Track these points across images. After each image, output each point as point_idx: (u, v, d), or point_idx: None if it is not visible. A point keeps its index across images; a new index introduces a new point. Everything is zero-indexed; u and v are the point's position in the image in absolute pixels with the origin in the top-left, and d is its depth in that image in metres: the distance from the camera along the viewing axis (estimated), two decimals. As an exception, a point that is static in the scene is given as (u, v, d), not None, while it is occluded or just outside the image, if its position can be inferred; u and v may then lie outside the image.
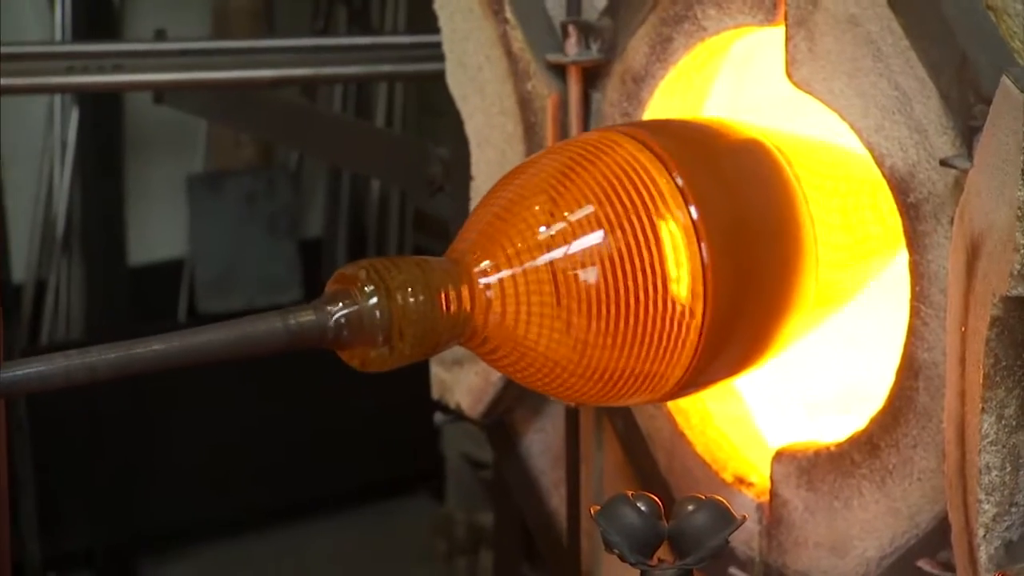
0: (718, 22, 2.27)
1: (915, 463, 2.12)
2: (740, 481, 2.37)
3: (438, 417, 2.75)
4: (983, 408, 1.83)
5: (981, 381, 1.83)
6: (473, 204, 2.62)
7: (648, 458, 2.48)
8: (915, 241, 2.06)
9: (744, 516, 1.71)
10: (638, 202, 1.99)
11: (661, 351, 2.02)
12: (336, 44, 3.43)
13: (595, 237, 1.97)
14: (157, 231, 5.46)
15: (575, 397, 2.09)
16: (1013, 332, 1.81)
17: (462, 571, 5.02)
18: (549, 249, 1.96)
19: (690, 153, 2.09)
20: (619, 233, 1.97)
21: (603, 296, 1.97)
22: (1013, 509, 1.86)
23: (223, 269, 5.36)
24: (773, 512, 2.30)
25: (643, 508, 1.69)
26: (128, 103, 5.14)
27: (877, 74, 2.06)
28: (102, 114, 5.07)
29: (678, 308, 2.00)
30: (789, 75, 2.18)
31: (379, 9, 5.45)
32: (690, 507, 1.70)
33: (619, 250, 1.97)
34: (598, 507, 1.70)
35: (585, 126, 2.45)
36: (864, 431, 2.19)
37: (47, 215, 5.15)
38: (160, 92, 3.42)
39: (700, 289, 2.01)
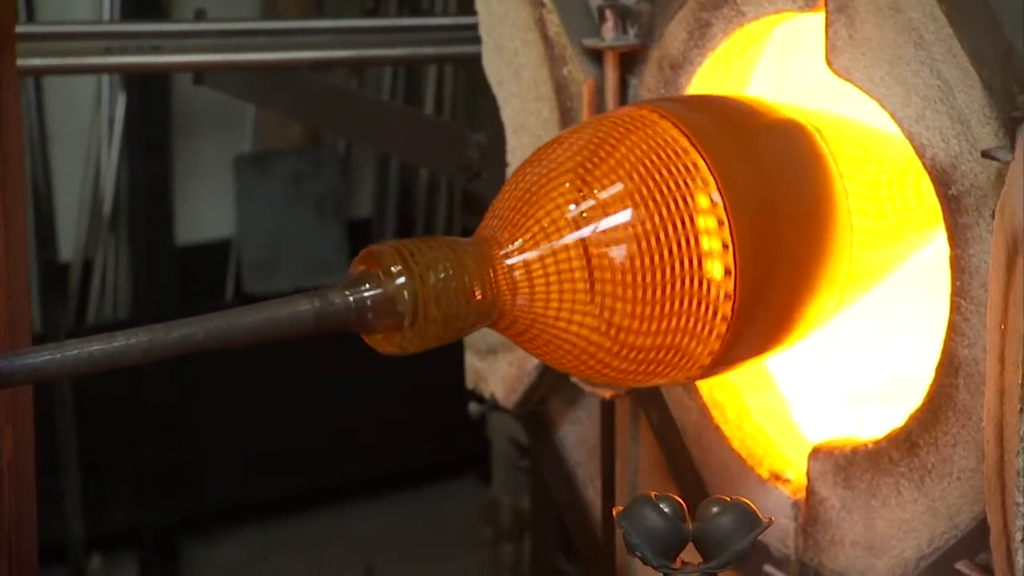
0: (757, 7, 2.22)
1: (954, 462, 2.07)
2: (776, 477, 2.33)
3: (473, 407, 2.72)
4: (1021, 408, 1.78)
5: (1020, 381, 1.78)
6: (508, 191, 2.58)
7: (683, 452, 2.44)
8: (956, 234, 2.01)
9: (770, 519, 1.67)
10: (669, 179, 1.96)
11: (693, 329, 1.98)
12: (380, 25, 3.41)
13: (625, 215, 1.94)
14: (205, 211, 5.45)
15: (605, 377, 2.05)
16: (1054, 331, 1.76)
17: (507, 557, 4.99)
18: (579, 227, 1.93)
19: (721, 130, 2.06)
20: (650, 210, 1.94)
21: (634, 274, 1.94)
22: (1052, 513, 1.81)
23: (270, 250, 5.35)
24: (809, 510, 2.26)
25: (666, 510, 1.65)
26: (176, 83, 5.14)
27: (919, 62, 2.00)
28: (149, 94, 5.07)
29: (709, 285, 1.97)
30: (829, 62, 2.13)
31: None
32: (715, 509, 1.66)
33: (650, 228, 1.94)
34: (620, 508, 1.66)
35: (622, 113, 2.41)
36: (903, 428, 2.14)
37: (95, 194, 5.16)
38: (200, 73, 3.40)
39: (731, 266, 1.98)
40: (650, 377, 2.03)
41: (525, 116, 2.52)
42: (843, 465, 2.21)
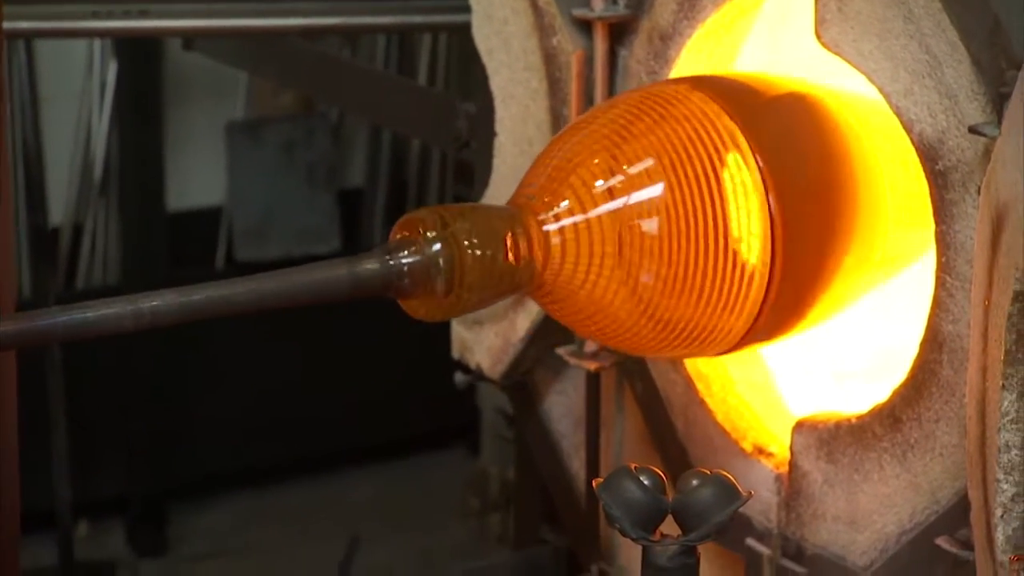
0: (747, -21, 2.22)
1: (937, 438, 2.08)
2: (760, 451, 2.33)
3: (459, 377, 2.72)
4: (1004, 385, 1.78)
5: (1002, 357, 1.78)
6: (496, 161, 2.58)
7: (668, 425, 2.44)
8: (942, 210, 2.01)
9: (749, 492, 1.67)
10: (704, 155, 2.00)
11: (724, 303, 2.02)
12: (369, -7, 3.38)
13: (657, 188, 1.98)
14: (196, 177, 5.44)
15: (634, 348, 2.10)
16: (1037, 308, 1.75)
17: (495, 527, 5.00)
18: (611, 199, 1.98)
19: (758, 108, 2.10)
20: (682, 185, 1.98)
21: (665, 247, 1.98)
22: (1033, 490, 1.82)
23: (261, 217, 5.34)
24: (792, 484, 2.26)
25: (646, 482, 1.65)
26: (168, 48, 5.12)
27: (908, 36, 2.00)
28: (141, 59, 5.05)
29: (743, 261, 2.01)
30: (818, 35, 2.13)
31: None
32: (695, 482, 1.66)
33: (681, 202, 1.98)
34: (600, 480, 1.66)
35: (611, 83, 2.41)
36: (886, 403, 2.15)
37: (85, 159, 5.14)
38: (189, 39, 3.39)
39: (767, 242, 2.01)
40: (679, 349, 2.09)
41: (514, 86, 2.52)
42: (826, 439, 2.22)
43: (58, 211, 5.18)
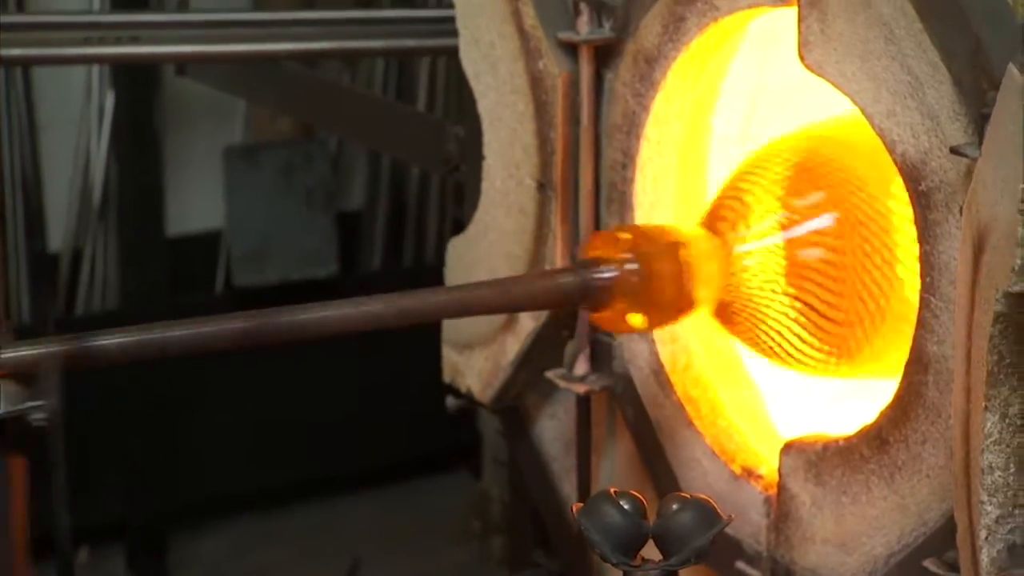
0: (731, 2, 2.23)
1: (924, 459, 2.07)
2: (749, 473, 2.33)
3: (450, 401, 2.72)
4: (986, 406, 1.78)
5: (985, 379, 1.77)
6: (485, 184, 2.59)
7: (657, 448, 2.44)
8: (926, 231, 2.01)
9: (730, 516, 1.67)
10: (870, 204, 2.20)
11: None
12: (363, 17, 3.40)
13: (826, 220, 2.18)
14: (195, 202, 5.44)
15: (801, 367, 2.27)
16: (1018, 329, 1.75)
17: (497, 550, 4.99)
18: (786, 228, 2.18)
19: None
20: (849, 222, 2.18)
21: (829, 275, 2.17)
22: (1017, 511, 1.81)
23: (260, 242, 5.34)
24: (781, 506, 2.26)
25: (626, 507, 1.65)
26: (166, 73, 5.13)
27: (889, 57, 2.01)
28: (139, 85, 5.05)
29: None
30: (802, 57, 2.13)
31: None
32: (675, 506, 1.66)
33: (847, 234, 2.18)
34: (580, 505, 1.66)
35: (597, 106, 2.41)
36: (873, 425, 2.14)
37: (84, 185, 5.15)
38: (181, 65, 3.40)
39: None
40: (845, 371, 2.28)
41: (501, 109, 2.52)
42: (814, 461, 2.21)
43: (57, 237, 5.19)
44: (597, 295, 2.13)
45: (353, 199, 5.66)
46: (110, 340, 1.89)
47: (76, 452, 4.94)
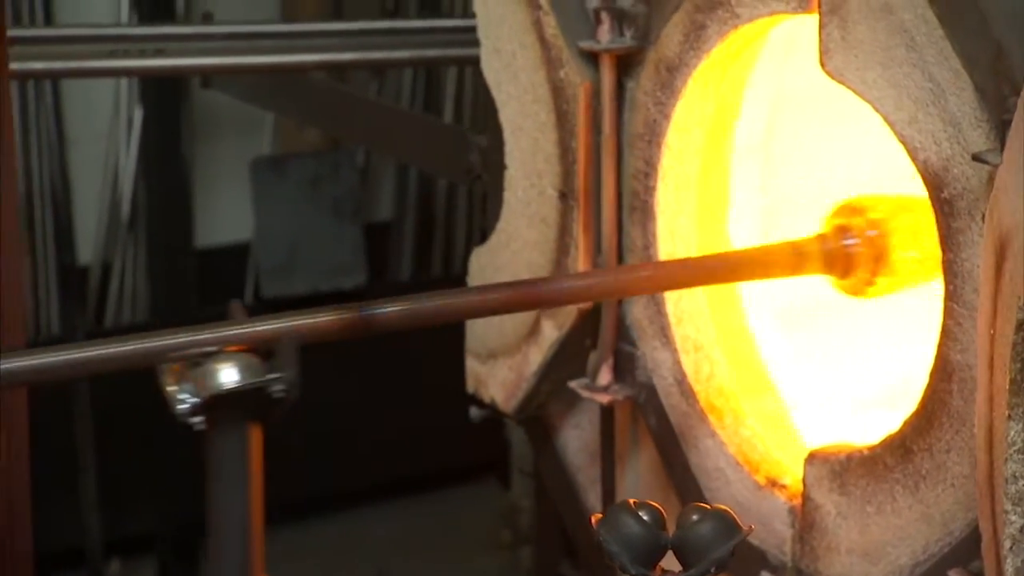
0: (751, 9, 2.21)
1: (948, 468, 2.06)
2: (773, 483, 2.31)
3: (473, 411, 2.72)
4: (1010, 415, 1.77)
5: (1008, 386, 1.76)
6: (507, 194, 2.58)
7: (681, 458, 2.43)
8: (949, 238, 2.00)
9: (750, 527, 1.66)
10: None
11: None
12: (385, 27, 3.40)
13: None
14: (224, 214, 5.45)
15: None
16: (1041, 336, 1.74)
17: (525, 560, 4.98)
18: None
19: None
20: None
21: None
22: (1041, 521, 1.79)
23: (287, 253, 5.35)
24: (805, 516, 2.24)
25: (645, 517, 1.64)
26: (194, 86, 5.14)
27: (911, 64, 1.99)
28: (167, 97, 5.07)
29: None
30: (822, 64, 2.12)
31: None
32: (694, 516, 1.65)
33: None
34: (599, 516, 1.65)
35: (619, 115, 2.41)
36: (897, 434, 2.13)
37: (113, 197, 5.17)
38: (207, 77, 3.40)
39: None
40: None
41: (523, 118, 2.52)
42: (838, 471, 2.20)
43: (87, 250, 5.20)
44: (843, 262, 2.26)
45: (381, 210, 5.66)
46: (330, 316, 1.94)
47: (107, 464, 4.95)
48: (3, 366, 1.73)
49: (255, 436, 1.75)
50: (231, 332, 1.80)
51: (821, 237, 2.28)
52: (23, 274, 2.26)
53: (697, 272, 2.25)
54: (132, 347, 1.79)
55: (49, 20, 4.88)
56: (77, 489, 4.86)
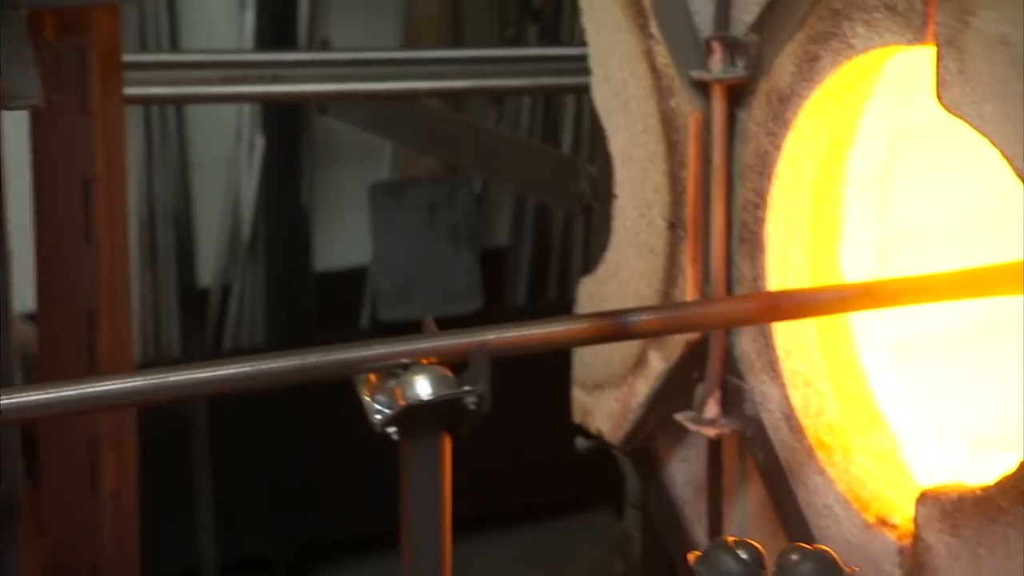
0: (867, 40, 2.17)
1: (1064, 512, 2.00)
2: (883, 522, 2.26)
3: (579, 442, 2.70)
4: None
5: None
6: (616, 223, 2.56)
7: (789, 494, 2.38)
8: (1066, 275, 1.94)
9: (853, 569, 1.62)
10: None
11: None
12: (500, 55, 3.40)
13: None
14: (342, 238, 5.49)
15: None
16: None
17: (638, 591, 4.94)
18: None
19: None
20: None
21: None
22: None
23: (404, 277, 5.36)
24: (916, 557, 2.19)
25: (744, 556, 1.61)
26: (315, 112, 5.18)
27: (1028, 98, 1.94)
28: (288, 123, 5.11)
29: None
30: (939, 97, 2.07)
31: (569, 23, 5.39)
32: (794, 556, 1.62)
33: None
34: (697, 553, 1.62)
35: (729, 145, 2.37)
36: (1013, 476, 2.07)
37: (234, 221, 5.22)
38: (323, 103, 3.42)
39: None
40: None
41: (632, 148, 2.50)
42: (950, 511, 2.14)
43: (207, 272, 5.26)
44: None
45: (498, 235, 5.66)
46: (528, 331, 1.96)
47: (222, 487, 4.98)
48: (169, 379, 1.74)
49: (447, 447, 1.78)
50: (426, 345, 1.82)
51: None
52: (129, 295, 2.28)
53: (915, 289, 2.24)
54: (330, 357, 1.82)
55: (174, 45, 4.95)
56: (193, 511, 4.91)
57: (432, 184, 5.38)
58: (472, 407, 1.78)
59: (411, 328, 5.05)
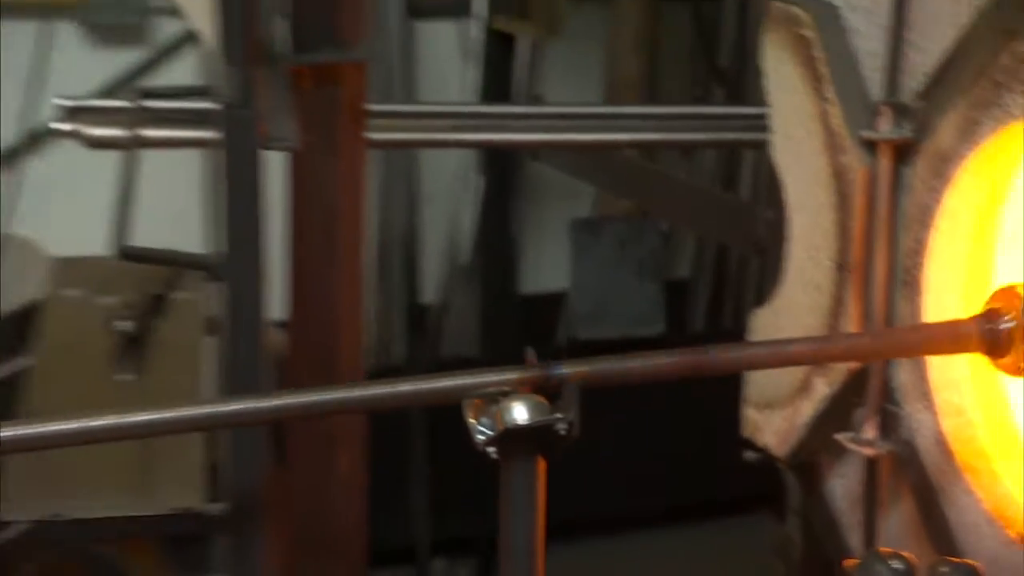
0: (1026, 108, 2.09)
1: None
2: (1025, 540, 2.16)
3: (748, 454, 2.64)
4: None
5: None
6: (787, 265, 2.50)
7: (938, 512, 2.29)
8: None
9: (998, 583, 1.54)
10: None
11: None
12: (693, 112, 3.35)
13: None
14: (545, 265, 5.50)
15: None
16: None
17: (795, 589, 4.82)
18: None
19: None
20: None
21: None
22: None
23: (597, 302, 5.36)
24: (1056, 573, 2.09)
25: (897, 566, 1.54)
26: (526, 157, 5.20)
27: None
28: (503, 165, 5.14)
29: None
30: (1089, 159, 1.98)
31: (753, 85, 5.33)
32: (944, 569, 1.55)
33: None
34: (853, 562, 1.56)
35: (893, 198, 2.30)
36: None
37: (453, 247, 5.26)
38: (535, 150, 3.41)
39: None
40: None
41: (805, 197, 2.44)
42: (1088, 533, 2.04)
43: (430, 291, 5.31)
44: (999, 343, 2.09)
45: (681, 269, 5.62)
46: (625, 363, 1.93)
47: (436, 473, 5.01)
48: (342, 395, 1.75)
49: (541, 468, 1.75)
50: (524, 375, 1.80)
51: (978, 318, 2.11)
52: (361, 313, 2.29)
53: (869, 348, 2.16)
54: (443, 384, 1.80)
55: (410, 97, 5.01)
56: (409, 494, 4.94)
57: (625, 223, 5.36)
58: (562, 432, 1.75)
59: (603, 346, 5.04)
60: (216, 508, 2.40)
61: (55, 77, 4.57)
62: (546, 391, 1.76)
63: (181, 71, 4.97)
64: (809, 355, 2.14)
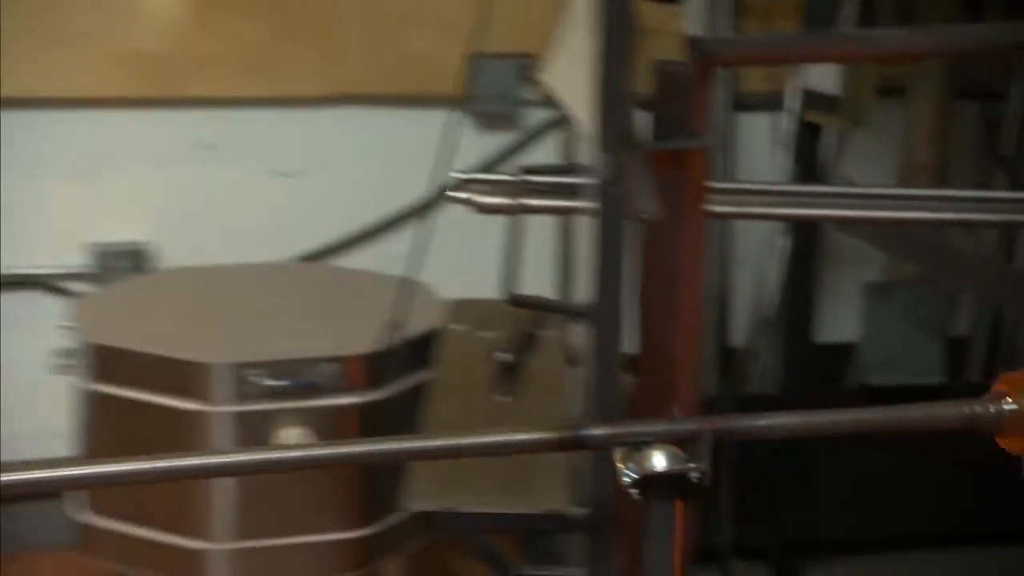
0: None
1: None
2: None
3: None
4: None
5: None
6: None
7: None
8: None
9: None
10: None
11: None
12: (979, 196, 3.38)
13: None
14: (841, 319, 5.52)
15: None
16: None
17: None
18: None
19: None
20: None
21: None
22: None
23: (885, 354, 5.34)
24: None
25: None
26: (828, 227, 5.25)
27: None
28: (807, 231, 5.21)
29: None
30: None
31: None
32: None
33: None
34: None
35: None
36: None
37: (759, 300, 5.35)
38: (839, 223, 3.50)
39: None
40: None
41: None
42: None
43: (738, 337, 5.41)
44: (996, 425, 1.95)
45: (960, 327, 5.54)
46: (749, 422, 1.97)
47: (741, 481, 5.04)
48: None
49: (679, 510, 1.78)
50: (666, 428, 1.82)
51: (985, 400, 1.98)
52: (698, 359, 2.43)
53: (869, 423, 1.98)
54: (600, 432, 1.82)
55: (729, 177, 5.15)
56: (716, 501, 5.02)
57: (911, 287, 5.35)
58: (696, 480, 1.77)
59: (890, 391, 4.96)
60: (578, 511, 2.57)
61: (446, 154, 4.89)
62: (683, 443, 1.76)
63: (544, 152, 5.25)
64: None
